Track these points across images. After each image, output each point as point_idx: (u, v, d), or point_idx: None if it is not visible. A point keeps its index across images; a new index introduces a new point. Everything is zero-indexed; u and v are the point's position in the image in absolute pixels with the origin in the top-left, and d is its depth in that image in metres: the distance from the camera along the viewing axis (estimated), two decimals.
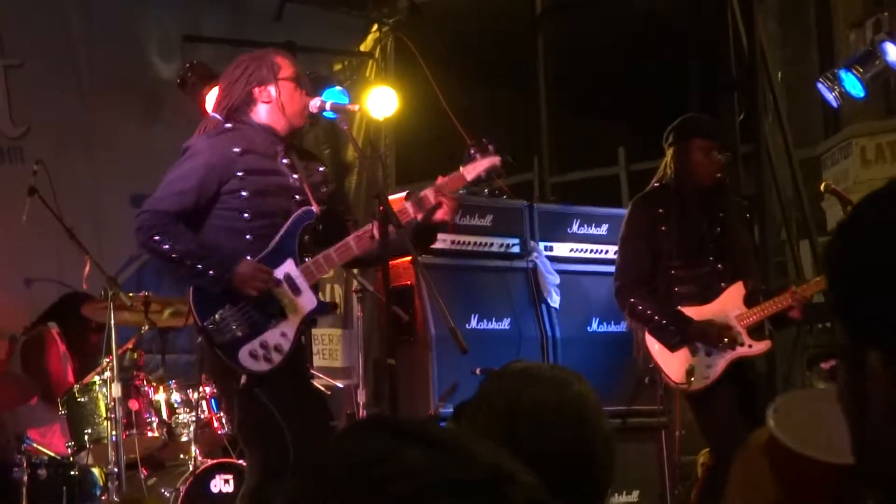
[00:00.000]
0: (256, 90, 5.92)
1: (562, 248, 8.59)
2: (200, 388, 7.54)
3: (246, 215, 5.76)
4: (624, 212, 7.60)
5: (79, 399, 7.35)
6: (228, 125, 5.89)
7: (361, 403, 7.83)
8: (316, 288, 5.84)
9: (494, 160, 6.00)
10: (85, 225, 8.40)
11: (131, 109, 9.52)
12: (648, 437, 8.32)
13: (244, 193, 5.75)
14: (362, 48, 10.82)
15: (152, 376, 7.73)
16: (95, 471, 7.36)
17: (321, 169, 6.15)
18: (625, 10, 12.91)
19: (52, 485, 7.17)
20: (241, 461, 7.44)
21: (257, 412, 5.60)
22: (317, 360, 9.11)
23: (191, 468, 7.31)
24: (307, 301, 5.78)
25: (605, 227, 8.72)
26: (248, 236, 5.75)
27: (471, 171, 5.98)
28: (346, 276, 9.97)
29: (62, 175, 8.40)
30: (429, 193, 5.89)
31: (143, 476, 7.25)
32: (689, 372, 6.82)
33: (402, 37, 10.59)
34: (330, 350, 10.20)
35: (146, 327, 7.51)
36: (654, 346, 6.98)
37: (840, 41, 12.38)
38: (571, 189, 12.51)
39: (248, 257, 5.67)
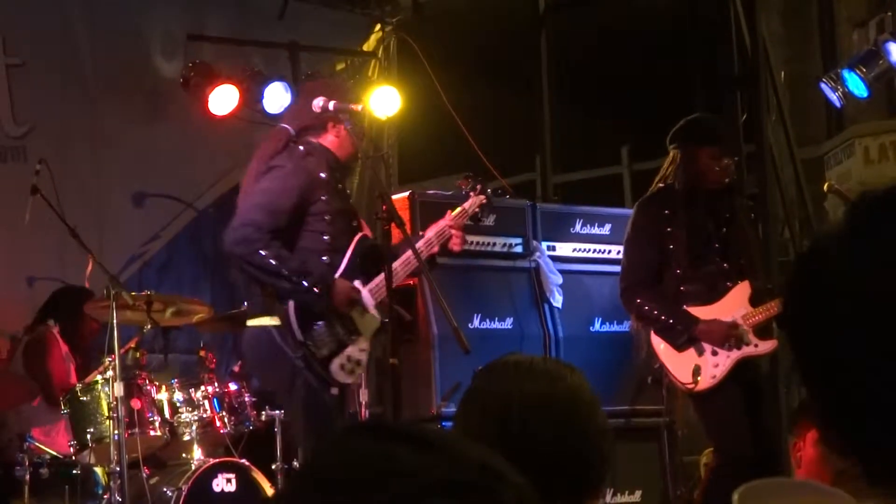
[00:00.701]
0: (331, 124, 6.24)
1: (564, 248, 8.58)
2: (203, 388, 7.54)
3: (326, 237, 6.06)
4: (627, 211, 7.60)
5: (81, 398, 7.34)
6: (302, 148, 6.17)
7: (364, 403, 7.80)
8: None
9: (482, 199, 6.65)
10: (87, 224, 8.40)
11: (134, 108, 9.52)
12: (650, 436, 8.32)
13: (327, 217, 6.06)
14: (365, 47, 10.82)
15: (154, 375, 7.72)
16: (98, 470, 7.36)
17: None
18: (627, 8, 12.90)
19: (55, 484, 7.17)
20: (242, 460, 7.45)
21: (325, 419, 5.97)
22: None
23: (193, 467, 7.31)
24: (375, 319, 6.16)
25: (607, 226, 8.71)
26: (324, 258, 6.05)
27: (470, 207, 6.59)
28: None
29: (65, 174, 8.41)
30: (445, 228, 6.43)
31: (145, 475, 7.25)
32: (696, 372, 6.82)
33: (405, 36, 10.58)
34: None
35: (148, 326, 7.52)
36: (659, 345, 6.97)
37: (843, 41, 12.35)
38: (574, 189, 12.50)
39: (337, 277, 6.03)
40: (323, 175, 6.09)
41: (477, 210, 6.62)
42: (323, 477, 1.26)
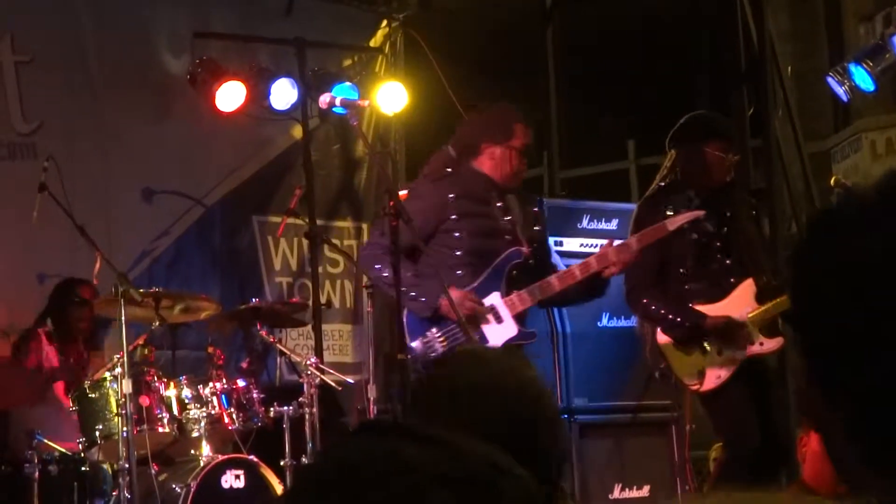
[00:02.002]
0: (485, 145, 6.55)
1: (572, 244, 8.58)
2: (211, 384, 7.55)
3: (458, 252, 6.45)
4: (633, 206, 7.59)
5: (90, 395, 7.35)
6: (449, 170, 6.56)
7: (372, 399, 7.83)
8: (521, 318, 6.49)
9: (698, 213, 6.73)
10: (96, 221, 8.40)
11: (142, 105, 9.52)
12: (659, 431, 8.33)
13: (457, 234, 6.45)
14: (372, 43, 10.82)
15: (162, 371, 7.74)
16: (106, 467, 7.37)
17: (535, 210, 6.81)
18: (635, 3, 12.91)
19: (64, 481, 7.18)
20: (251, 457, 7.46)
21: None
22: (327, 356, 9.17)
23: (202, 464, 7.31)
24: (508, 329, 6.42)
25: (614, 221, 8.71)
26: (458, 271, 6.43)
27: (673, 223, 6.65)
28: (356, 271, 9.99)
29: (73, 171, 8.41)
30: (609, 252, 6.56)
31: (153, 472, 7.26)
32: (701, 372, 6.79)
33: (412, 32, 10.59)
34: (340, 346, 10.22)
35: (157, 323, 7.53)
36: (666, 346, 6.93)
37: (850, 35, 12.37)
38: (581, 184, 12.52)
39: (455, 287, 6.33)
40: (451, 196, 6.45)
41: (685, 225, 6.71)
42: (327, 475, 1.27)
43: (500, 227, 6.54)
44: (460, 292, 6.31)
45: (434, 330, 6.32)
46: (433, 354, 6.30)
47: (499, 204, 6.58)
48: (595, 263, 6.55)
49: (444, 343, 6.31)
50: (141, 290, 7.42)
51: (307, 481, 1.29)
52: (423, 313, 6.33)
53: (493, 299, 6.43)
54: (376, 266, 6.41)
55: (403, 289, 6.24)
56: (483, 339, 6.37)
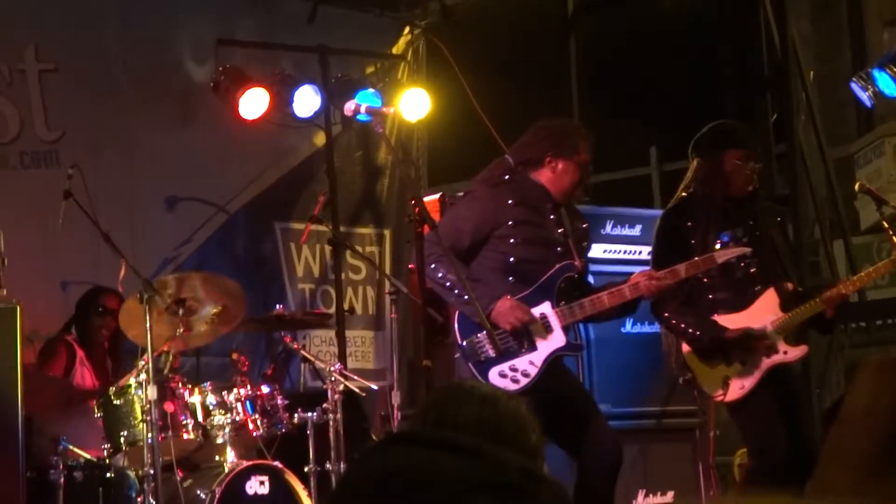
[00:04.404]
0: (549, 158, 6.63)
1: (595, 250, 8.56)
2: (235, 390, 7.56)
3: (511, 259, 6.52)
4: (657, 212, 7.57)
5: (114, 402, 7.38)
6: (507, 177, 6.63)
7: (396, 405, 7.85)
8: (567, 329, 6.56)
9: (745, 249, 6.76)
10: (120, 228, 8.42)
11: (165, 113, 9.55)
12: (683, 437, 8.32)
13: (512, 240, 6.52)
14: (394, 51, 10.84)
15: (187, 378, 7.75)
16: (131, 473, 7.39)
17: (584, 226, 6.88)
18: (657, 9, 12.91)
19: (89, 487, 7.20)
20: (275, 463, 7.47)
21: None
22: (349, 362, 9.18)
23: (226, 470, 7.33)
24: (557, 339, 6.49)
25: (638, 227, 8.70)
26: (510, 278, 6.51)
27: (721, 256, 6.69)
28: (379, 277, 10.01)
29: (97, 179, 8.45)
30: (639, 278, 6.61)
31: (178, 478, 7.28)
32: (726, 383, 6.77)
33: (434, 39, 10.60)
34: (363, 352, 10.23)
35: (181, 329, 7.53)
36: (690, 356, 6.92)
37: (873, 39, 12.34)
38: (604, 190, 12.51)
39: (508, 296, 6.43)
40: (510, 202, 6.52)
41: (732, 259, 6.76)
42: (365, 484, 1.28)
43: (553, 238, 6.60)
44: (512, 301, 6.39)
45: (485, 333, 6.34)
46: (483, 357, 6.37)
47: (552, 216, 6.63)
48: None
49: (494, 349, 6.34)
50: (160, 280, 7.50)
51: (345, 489, 1.30)
52: (475, 317, 6.34)
53: (545, 308, 6.49)
54: (432, 266, 6.43)
55: (457, 291, 6.33)
56: (532, 347, 6.42)
